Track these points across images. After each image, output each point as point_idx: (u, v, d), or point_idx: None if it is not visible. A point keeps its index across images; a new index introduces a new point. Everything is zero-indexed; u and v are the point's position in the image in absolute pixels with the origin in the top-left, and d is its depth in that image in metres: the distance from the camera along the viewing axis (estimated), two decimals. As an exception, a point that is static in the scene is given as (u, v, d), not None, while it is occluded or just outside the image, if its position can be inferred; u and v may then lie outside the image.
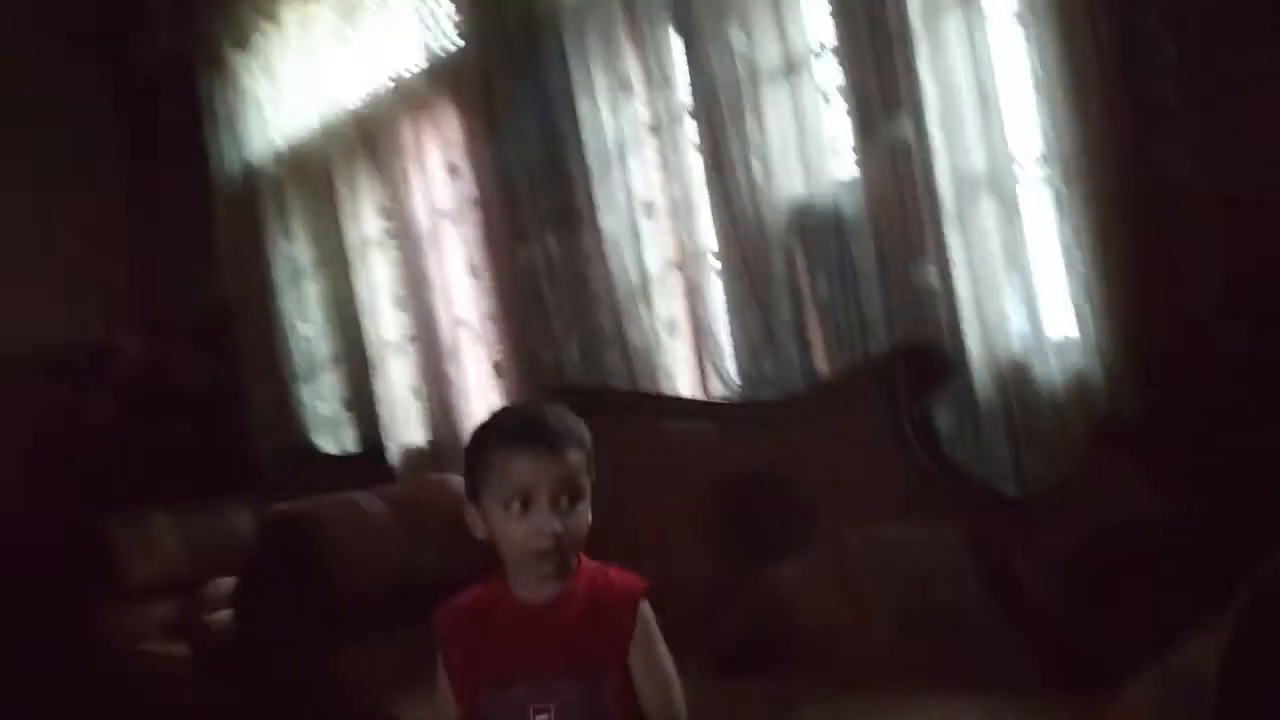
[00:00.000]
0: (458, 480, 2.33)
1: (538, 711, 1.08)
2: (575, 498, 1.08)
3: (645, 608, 1.11)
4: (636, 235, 2.20)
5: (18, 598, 3.17)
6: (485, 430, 1.14)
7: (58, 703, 2.98)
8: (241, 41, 3.18)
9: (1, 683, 3.02)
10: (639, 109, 2.17)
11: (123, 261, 3.77)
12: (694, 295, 2.14)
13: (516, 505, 1.07)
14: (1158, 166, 1.46)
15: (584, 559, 1.13)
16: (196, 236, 3.46)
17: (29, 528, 3.25)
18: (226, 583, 2.52)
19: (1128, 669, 1.27)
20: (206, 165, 3.34)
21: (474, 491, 1.12)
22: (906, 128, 1.73)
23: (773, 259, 1.94)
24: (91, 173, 3.71)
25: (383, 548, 2.13)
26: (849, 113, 1.81)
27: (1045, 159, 1.61)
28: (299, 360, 3.17)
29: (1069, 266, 1.58)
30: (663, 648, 1.11)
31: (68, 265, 3.59)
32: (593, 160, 2.23)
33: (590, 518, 1.11)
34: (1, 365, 3.37)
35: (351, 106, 2.86)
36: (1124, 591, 1.36)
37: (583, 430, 1.13)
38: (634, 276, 2.21)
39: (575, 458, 1.08)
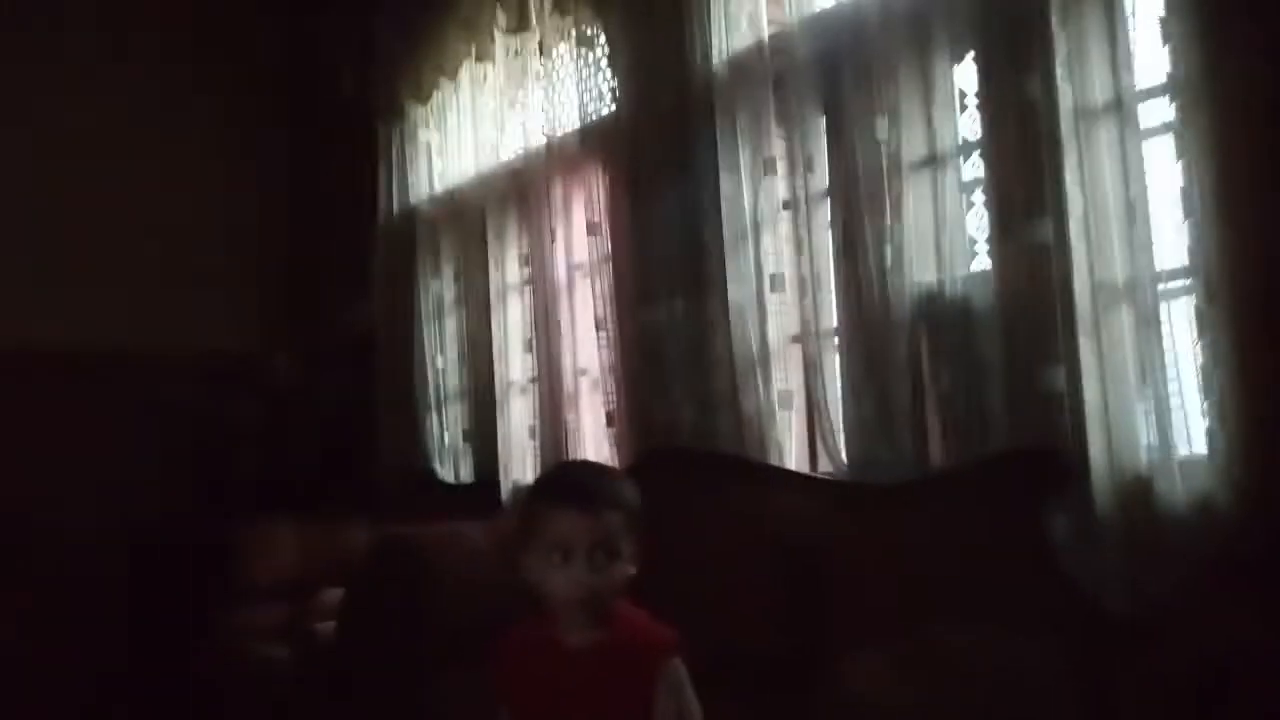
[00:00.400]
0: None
1: None
2: (611, 554, 1.18)
3: (676, 664, 1.18)
4: (761, 307, 2.24)
5: (144, 591, 3.41)
6: (535, 486, 1.30)
7: (165, 692, 3.16)
8: (420, 96, 3.44)
9: (115, 671, 3.24)
10: (778, 187, 2.23)
11: (283, 283, 4.07)
12: (812, 371, 2.16)
13: (556, 557, 1.19)
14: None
15: (626, 608, 1.22)
16: (354, 267, 3.71)
17: (167, 525, 3.49)
18: (336, 593, 2.64)
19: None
20: (373, 202, 3.59)
21: (523, 539, 1.24)
22: (1046, 230, 1.72)
23: (896, 342, 1.94)
24: (263, 196, 4.04)
25: (482, 581, 2.20)
26: (988, 209, 1.82)
27: (1188, 272, 1.57)
28: (430, 390, 3.33)
29: (1205, 385, 1.52)
30: (693, 702, 1.17)
31: (233, 279, 3.90)
32: (728, 232, 2.30)
33: (630, 571, 1.21)
34: (161, 367, 3.66)
35: (508, 161, 3.04)
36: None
37: (625, 493, 1.25)
38: (754, 346, 2.25)
39: (613, 518, 1.19)
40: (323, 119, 4.05)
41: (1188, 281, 1.60)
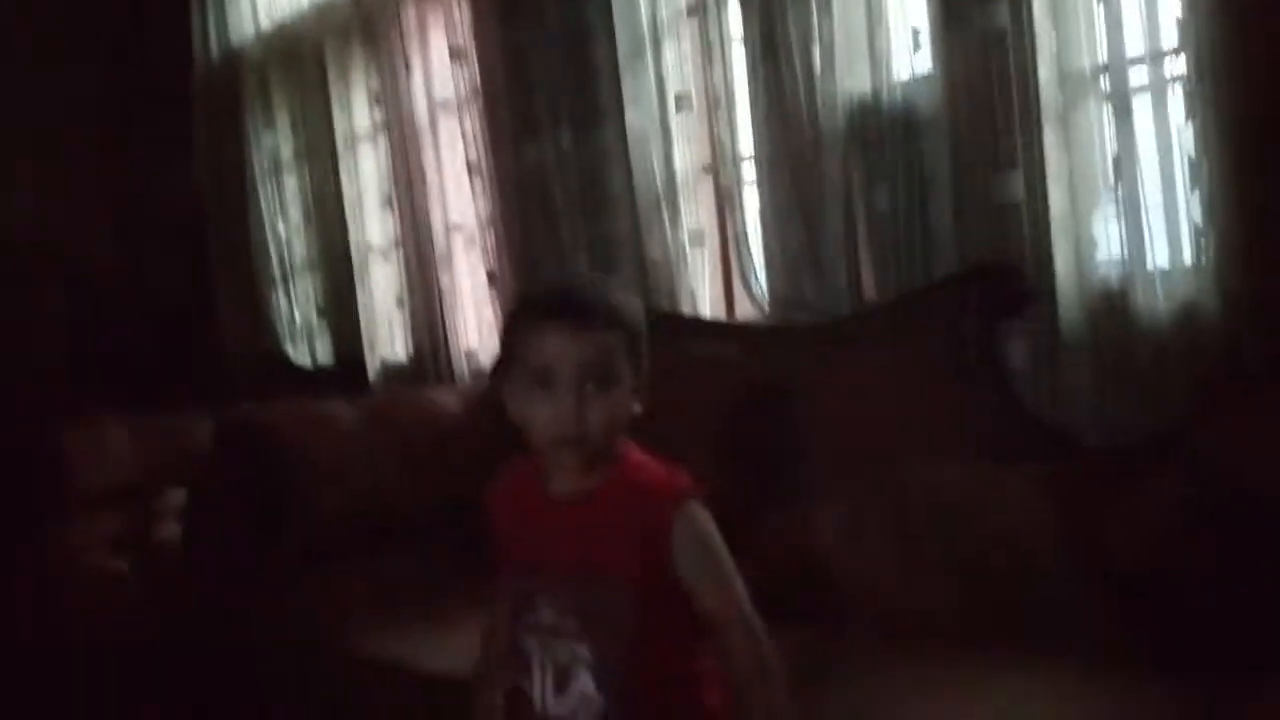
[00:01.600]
0: (443, 394, 2.14)
1: (545, 608, 0.99)
2: (606, 381, 0.96)
3: (694, 509, 0.97)
4: (665, 132, 1.95)
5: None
6: (517, 302, 1.08)
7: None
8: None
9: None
10: (679, -12, 1.91)
11: (94, 150, 3.46)
12: (727, 203, 1.89)
13: (538, 386, 0.96)
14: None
15: (633, 451, 1.00)
16: (173, 126, 3.17)
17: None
18: (180, 494, 2.29)
19: (1249, 650, 1.08)
20: (187, 47, 3.04)
21: (504, 367, 1.03)
22: (1002, 13, 1.48)
23: (824, 163, 1.69)
24: (63, 55, 3.38)
25: (354, 463, 1.89)
26: (932, -6, 1.56)
27: (1169, 55, 1.37)
28: (274, 262, 2.91)
29: (1193, 181, 1.34)
30: (719, 551, 0.96)
31: (35, 152, 3.28)
32: (622, 46, 1.97)
33: (634, 407, 0.97)
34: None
35: (348, -20, 2.57)
36: (1233, 566, 1.15)
37: (627, 307, 0.99)
38: (659, 179, 1.96)
39: (609, 336, 0.96)
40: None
41: (1159, 66, 1.40)
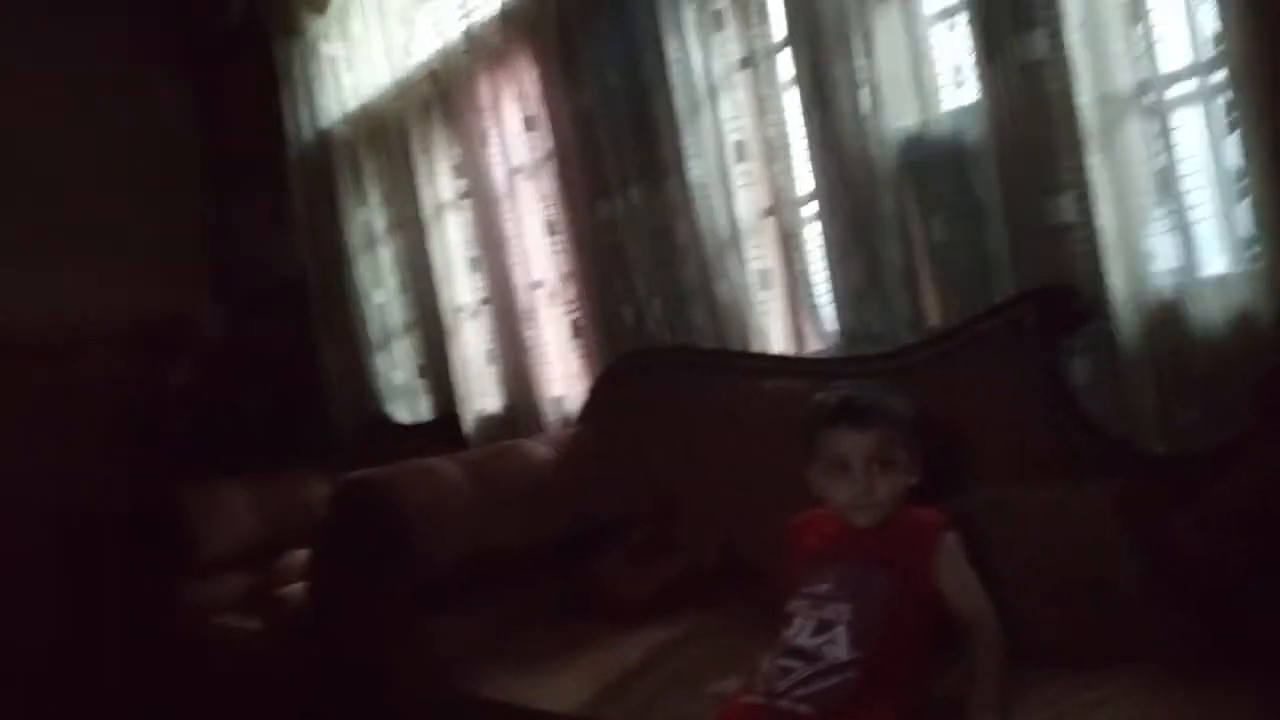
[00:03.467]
0: (535, 445, 2.26)
1: (822, 582, 1.31)
2: (886, 464, 1.34)
3: (949, 538, 1.32)
4: (726, 181, 2.05)
5: (99, 567, 3.18)
6: (812, 409, 1.43)
7: (135, 676, 2.96)
8: (316, 5, 3.12)
9: (80, 654, 3.02)
10: (731, 43, 2.01)
11: (200, 231, 3.76)
12: (789, 244, 1.98)
13: (835, 470, 1.35)
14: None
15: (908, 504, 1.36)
16: (274, 205, 3.42)
17: (111, 497, 3.25)
18: (302, 554, 2.45)
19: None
20: (283, 132, 3.29)
21: (808, 458, 1.40)
22: (1041, 43, 1.54)
23: (880, 197, 1.76)
24: (166, 142, 3.70)
25: (459, 515, 2.02)
26: (972, 29, 1.62)
27: (1205, 70, 1.40)
28: (374, 328, 3.10)
29: (1232, 192, 1.37)
30: (969, 571, 1.31)
31: (147, 236, 3.58)
32: (680, 102, 2.09)
33: (911, 478, 1.37)
34: (87, 335, 3.38)
35: (425, 61, 2.76)
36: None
37: (896, 408, 1.40)
38: (723, 226, 2.06)
39: (885, 433, 1.35)
40: (218, 51, 3.69)
41: (1199, 81, 1.44)
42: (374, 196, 3.07)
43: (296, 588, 2.44)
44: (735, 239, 2.05)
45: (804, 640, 1.25)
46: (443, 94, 2.71)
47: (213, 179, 3.80)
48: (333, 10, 3.07)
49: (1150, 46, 1.45)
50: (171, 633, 2.95)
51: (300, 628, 2.33)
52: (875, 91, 1.74)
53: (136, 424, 3.39)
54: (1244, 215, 1.38)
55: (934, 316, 1.76)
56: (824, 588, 1.30)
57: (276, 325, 3.48)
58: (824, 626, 1.25)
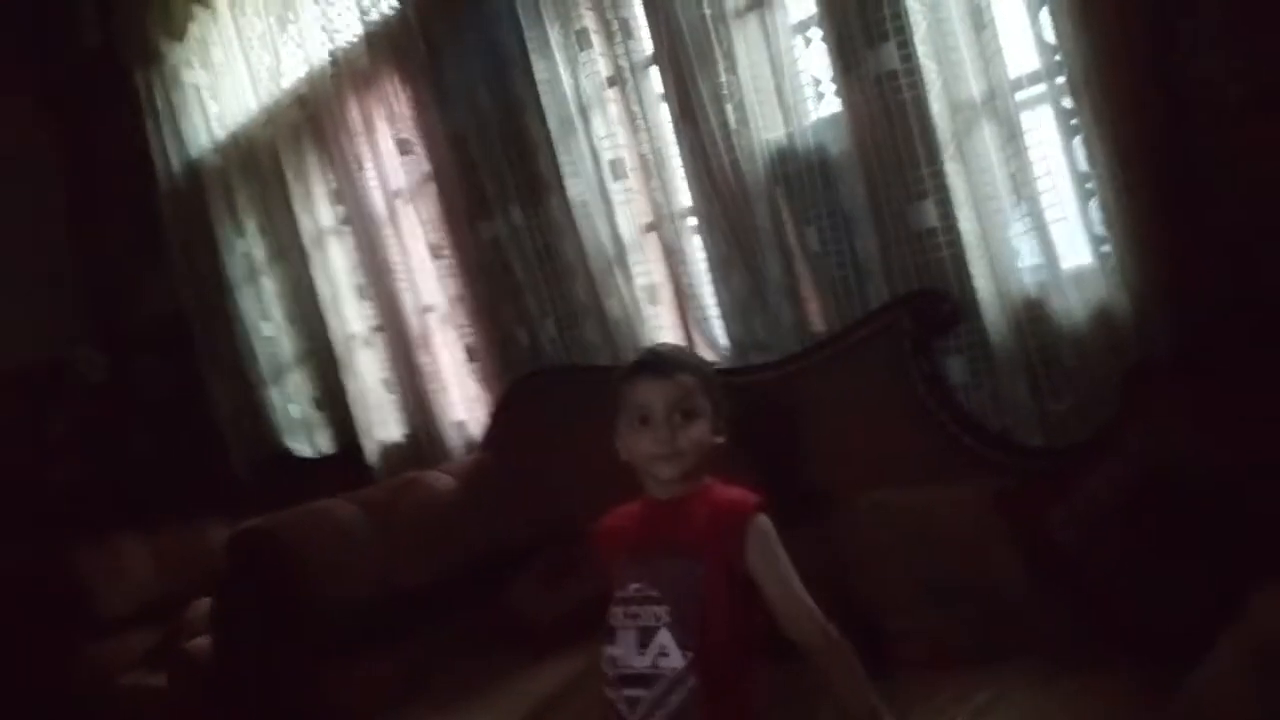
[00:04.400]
0: (436, 477, 2.23)
1: (633, 582, 1.24)
2: (689, 414, 1.27)
3: (763, 519, 1.23)
4: (606, 198, 2.04)
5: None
6: (618, 370, 1.37)
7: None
8: (174, 31, 2.99)
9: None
10: (599, 62, 2.00)
11: (71, 272, 3.58)
12: (673, 258, 1.98)
13: (638, 423, 1.28)
14: (1181, 71, 1.30)
15: (711, 480, 1.29)
16: (147, 238, 3.28)
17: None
18: (206, 604, 2.37)
19: (1190, 633, 1.16)
20: (149, 165, 3.15)
21: (616, 420, 1.32)
22: (892, 55, 1.57)
23: (755, 209, 1.78)
24: (31, 177, 3.50)
25: (358, 558, 1.98)
26: (827, 44, 1.65)
27: (1051, 74, 1.46)
28: (264, 361, 3.01)
29: (1085, 190, 1.43)
30: (782, 553, 1.22)
31: (16, 277, 3.39)
32: (552, 121, 2.07)
33: (712, 436, 1.29)
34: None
35: (292, 87, 2.68)
36: (1175, 547, 1.23)
37: (697, 360, 1.39)
38: (607, 242, 2.06)
39: (686, 380, 1.29)
40: (77, 81, 3.51)
41: (1045, 85, 1.49)
42: (251, 226, 2.97)
43: (202, 640, 2.36)
44: (620, 255, 2.05)
45: (635, 661, 1.20)
46: (313, 119, 2.64)
47: (81, 214, 3.62)
48: (191, 38, 2.94)
49: (997, 53, 1.50)
50: (75, 696, 2.83)
51: (207, 682, 2.26)
52: (740, 106, 1.75)
53: (16, 478, 3.21)
54: (1096, 213, 1.44)
55: (817, 324, 1.79)
56: (634, 588, 1.23)
57: (159, 364, 3.35)
58: (647, 636, 1.20)
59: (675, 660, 1.17)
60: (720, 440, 1.30)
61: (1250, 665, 0.85)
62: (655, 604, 1.20)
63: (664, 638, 1.19)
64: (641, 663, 1.19)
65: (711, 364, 1.39)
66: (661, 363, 1.30)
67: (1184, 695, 0.98)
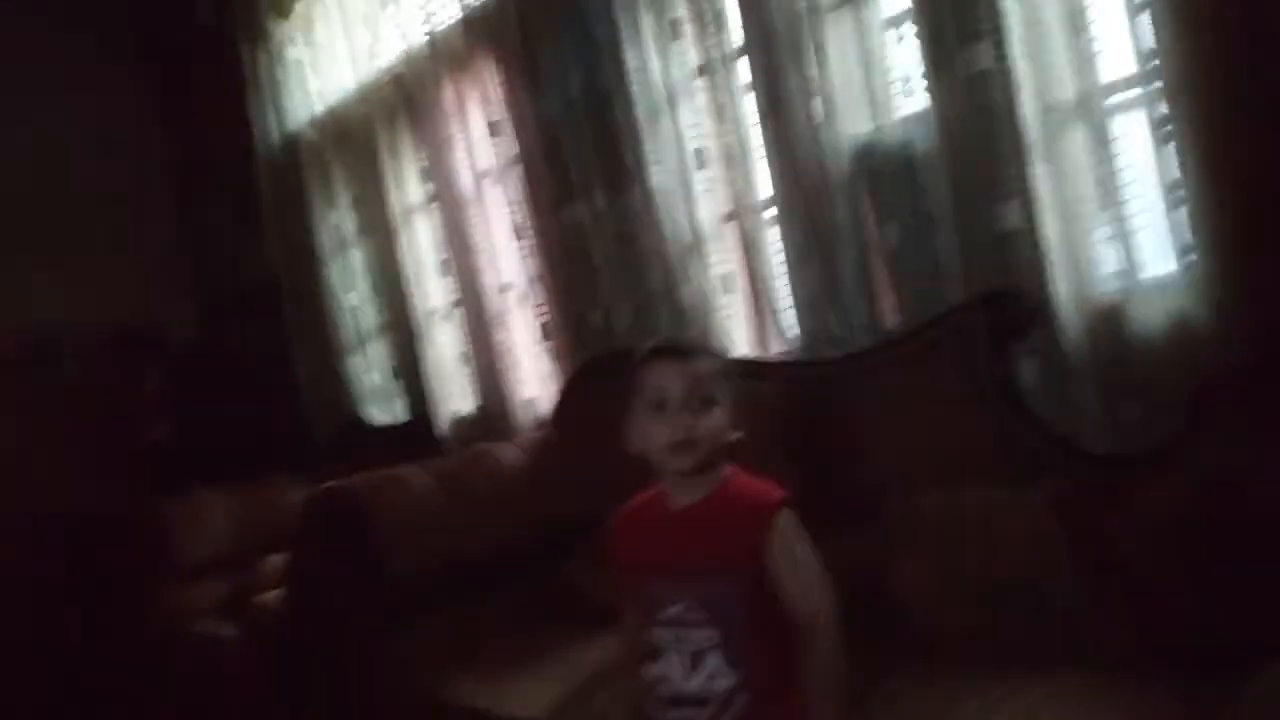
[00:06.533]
0: (506, 451, 2.29)
1: (674, 604, 1.19)
2: (707, 401, 1.20)
3: (785, 516, 1.18)
4: (688, 187, 2.07)
5: (77, 574, 3.18)
6: (635, 357, 1.30)
7: (113, 683, 2.98)
8: (281, 9, 3.12)
9: (58, 664, 3.04)
10: (689, 52, 2.04)
11: (170, 236, 3.75)
12: (750, 249, 2.01)
13: (655, 410, 1.21)
14: (1274, 82, 1.28)
15: (737, 472, 1.23)
16: (243, 209, 3.42)
17: (87, 509, 3.25)
18: (278, 560, 2.47)
19: (1247, 646, 1.14)
20: (250, 136, 3.28)
21: (629, 409, 1.25)
22: (986, 54, 1.57)
23: (835, 204, 1.80)
24: (134, 147, 3.68)
25: (430, 525, 2.05)
26: (920, 41, 1.66)
27: (1145, 80, 1.44)
28: (347, 330, 3.11)
29: (1172, 199, 1.41)
30: (806, 554, 1.17)
31: (117, 242, 3.57)
32: (640, 110, 2.11)
33: (728, 422, 1.21)
34: (52, 346, 3.38)
35: (390, 66, 2.77)
36: (1234, 560, 1.22)
37: (713, 351, 1.42)
38: (686, 231, 2.09)
39: (704, 365, 1.23)
40: (185, 56, 3.67)
41: (1138, 90, 1.48)
42: (343, 200, 3.08)
43: (273, 594, 2.47)
44: (698, 244, 2.08)
45: (685, 685, 1.17)
46: (408, 98, 2.72)
47: (181, 183, 3.79)
48: (296, 15, 3.06)
49: (1092, 57, 1.49)
50: (149, 638, 2.97)
51: (275, 634, 2.36)
52: (828, 100, 1.77)
53: (112, 432, 3.38)
54: (1183, 221, 1.42)
55: (890, 320, 1.80)
56: (675, 609, 1.19)
57: (249, 329, 3.48)
58: (697, 659, 1.17)
59: (727, 680, 1.16)
60: (737, 435, 1.22)
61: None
62: (703, 627, 1.17)
63: (714, 660, 1.17)
64: (693, 685, 1.17)
65: (724, 352, 1.41)
66: (678, 348, 1.27)
67: (1244, 706, 0.98)
